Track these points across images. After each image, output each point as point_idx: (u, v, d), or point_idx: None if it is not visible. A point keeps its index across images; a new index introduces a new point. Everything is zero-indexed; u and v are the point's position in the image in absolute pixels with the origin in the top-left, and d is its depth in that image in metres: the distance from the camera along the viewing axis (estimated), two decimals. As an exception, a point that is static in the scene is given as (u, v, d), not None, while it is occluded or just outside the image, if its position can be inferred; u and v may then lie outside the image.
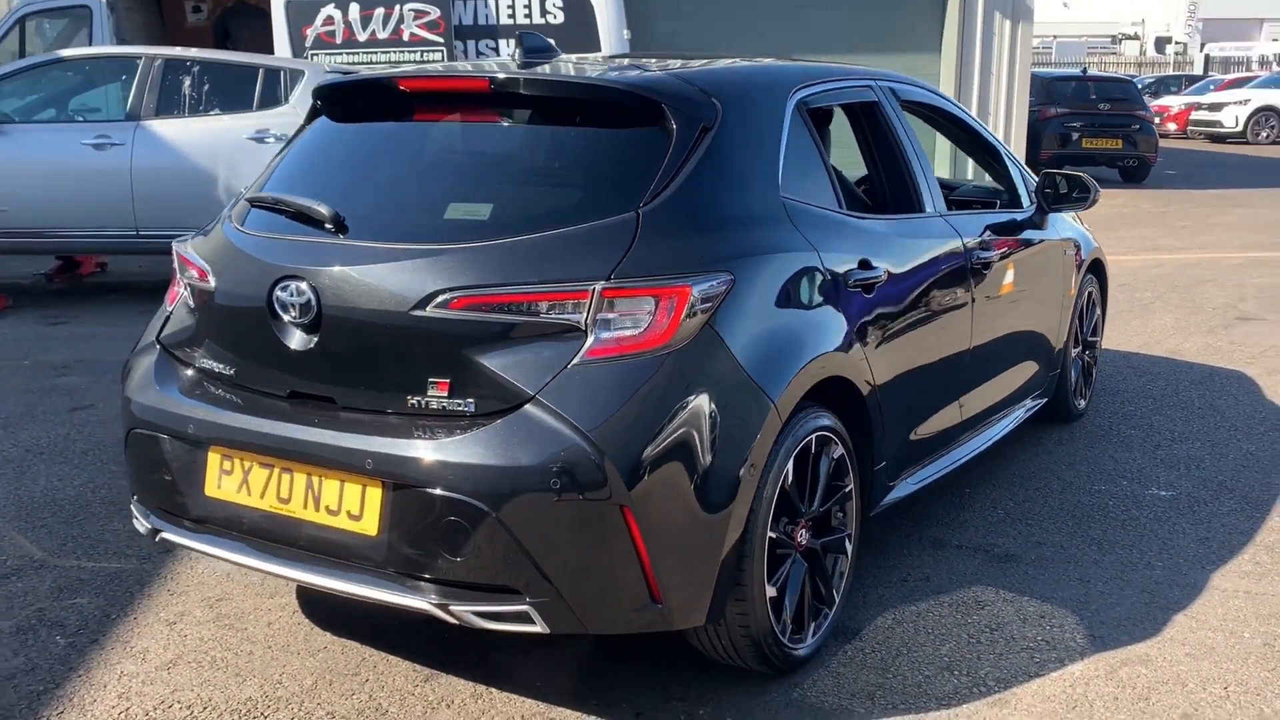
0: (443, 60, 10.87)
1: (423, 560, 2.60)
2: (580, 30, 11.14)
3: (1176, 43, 47.04)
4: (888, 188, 3.79)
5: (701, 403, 2.62)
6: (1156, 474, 4.61)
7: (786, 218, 3.04)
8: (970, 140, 4.74)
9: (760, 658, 2.90)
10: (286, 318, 2.78)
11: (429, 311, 2.62)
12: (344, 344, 2.73)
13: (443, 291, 2.62)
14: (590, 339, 2.57)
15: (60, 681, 3.00)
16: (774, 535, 2.85)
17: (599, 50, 11.14)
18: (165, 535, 3.02)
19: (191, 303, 3.09)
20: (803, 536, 2.99)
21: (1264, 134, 24.85)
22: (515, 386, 2.57)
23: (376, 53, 10.50)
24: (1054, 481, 4.52)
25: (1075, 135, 16.02)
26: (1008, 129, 14.87)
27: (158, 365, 3.11)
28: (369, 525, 2.66)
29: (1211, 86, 27.32)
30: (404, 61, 10.46)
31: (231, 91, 8.08)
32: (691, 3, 12.65)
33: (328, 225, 2.85)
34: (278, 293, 2.78)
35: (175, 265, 3.20)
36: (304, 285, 2.74)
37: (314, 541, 2.74)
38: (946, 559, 3.78)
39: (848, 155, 3.98)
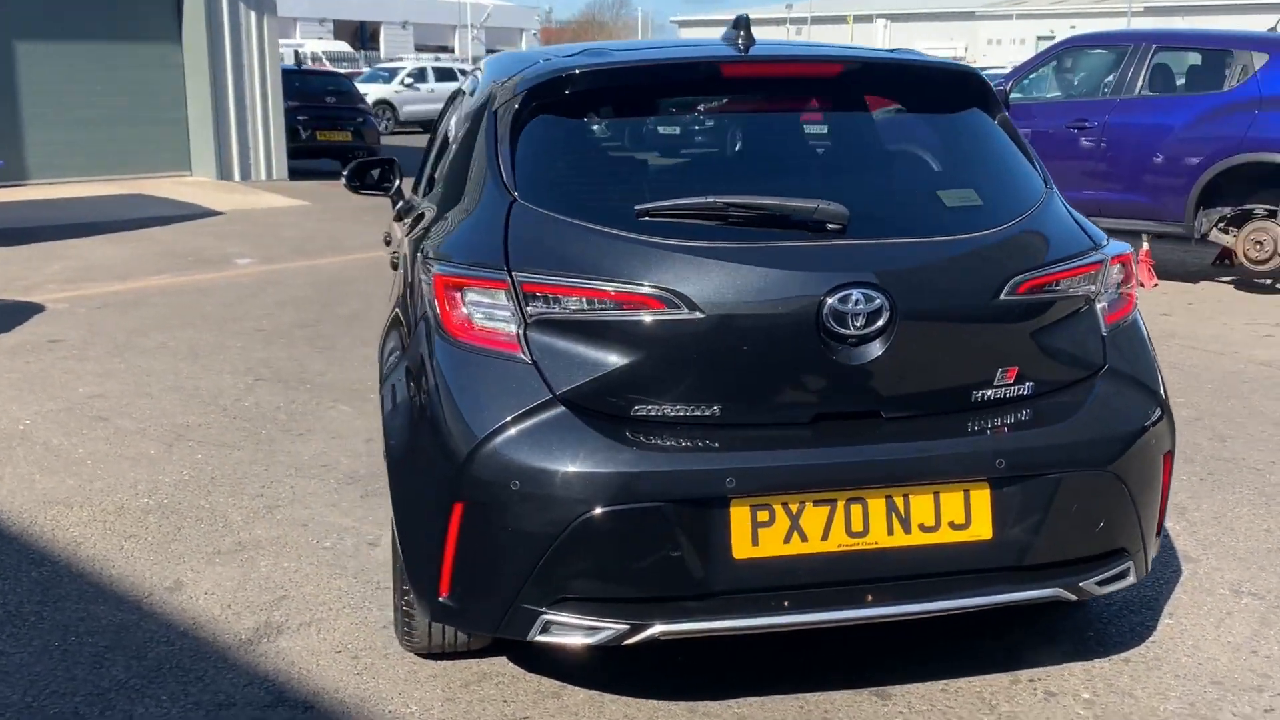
0: None
1: (1050, 547, 2.60)
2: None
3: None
4: None
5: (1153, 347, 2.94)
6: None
7: None
8: None
9: None
10: (847, 331, 2.46)
11: (1003, 299, 2.61)
12: (913, 349, 2.56)
13: (1014, 276, 2.62)
14: (1102, 305, 2.76)
15: None
16: None
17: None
18: (659, 629, 2.42)
19: (617, 342, 2.51)
20: None
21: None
22: (1086, 358, 2.71)
23: None
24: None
25: (307, 129, 15.85)
26: (265, 122, 14.63)
27: (594, 428, 2.44)
28: (980, 529, 2.52)
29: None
30: None
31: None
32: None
33: (832, 226, 2.59)
34: (833, 305, 2.46)
35: (507, 305, 2.52)
36: (872, 292, 2.49)
37: (906, 565, 2.54)
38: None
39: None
